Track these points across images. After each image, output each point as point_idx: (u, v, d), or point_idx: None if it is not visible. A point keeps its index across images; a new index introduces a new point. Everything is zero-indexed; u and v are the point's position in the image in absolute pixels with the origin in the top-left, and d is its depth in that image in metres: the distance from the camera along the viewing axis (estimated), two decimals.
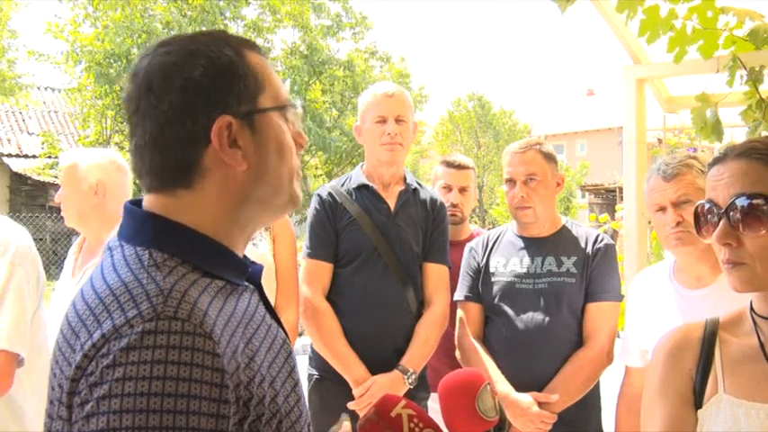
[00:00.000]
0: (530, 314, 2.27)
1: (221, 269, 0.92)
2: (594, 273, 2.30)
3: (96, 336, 0.79)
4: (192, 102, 0.90)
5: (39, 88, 20.13)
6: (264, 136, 0.94)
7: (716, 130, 2.45)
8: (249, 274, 0.99)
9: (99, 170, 2.37)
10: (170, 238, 0.90)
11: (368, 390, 2.23)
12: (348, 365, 2.27)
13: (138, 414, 0.74)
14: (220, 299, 0.88)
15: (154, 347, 0.76)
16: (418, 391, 2.32)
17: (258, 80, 0.95)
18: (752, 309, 1.24)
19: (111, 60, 15.29)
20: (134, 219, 0.93)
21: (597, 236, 2.39)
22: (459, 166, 2.92)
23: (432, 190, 2.59)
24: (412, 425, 0.98)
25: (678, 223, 1.86)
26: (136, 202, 0.96)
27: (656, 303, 1.99)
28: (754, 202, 1.13)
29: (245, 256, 1.00)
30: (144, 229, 0.91)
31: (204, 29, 15.94)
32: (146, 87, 0.91)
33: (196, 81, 0.90)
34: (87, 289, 0.87)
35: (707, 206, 1.21)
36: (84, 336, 0.81)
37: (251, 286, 0.99)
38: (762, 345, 1.19)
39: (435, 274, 2.41)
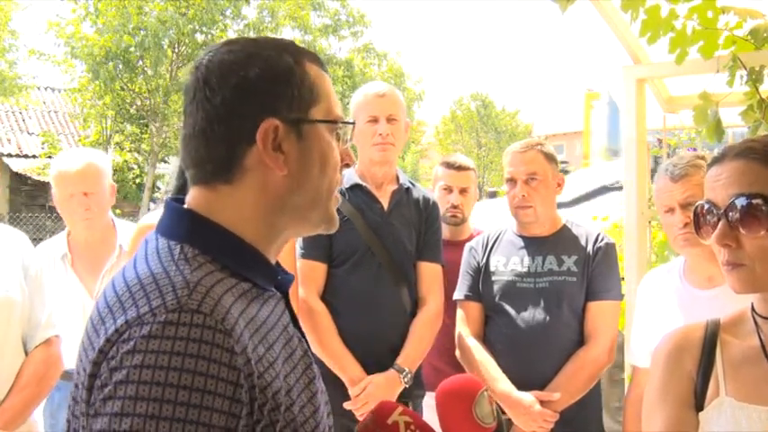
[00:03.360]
0: (531, 313, 2.27)
1: (249, 272, 0.92)
2: (595, 272, 2.31)
3: (120, 321, 0.80)
4: (243, 100, 0.92)
5: (39, 88, 20.13)
6: (310, 146, 0.95)
7: (717, 130, 2.44)
8: (278, 281, 0.99)
9: (110, 171, 2.46)
10: (203, 235, 0.91)
11: (364, 390, 2.22)
12: (344, 365, 2.26)
13: (152, 402, 0.74)
14: (244, 301, 0.88)
15: (174, 338, 0.77)
16: (413, 390, 2.31)
17: (313, 92, 0.96)
18: (753, 310, 1.23)
19: (109, 58, 15.28)
20: (172, 213, 0.95)
21: (598, 235, 2.39)
22: (460, 168, 2.92)
23: (424, 189, 2.59)
24: None
25: (686, 224, 1.86)
26: (178, 199, 0.98)
27: (667, 304, 1.98)
28: (753, 202, 1.13)
29: (277, 263, 1.00)
30: (180, 224, 0.93)
31: (204, 28, 15.89)
32: (203, 80, 0.93)
33: (251, 81, 0.92)
34: (118, 278, 0.89)
35: (706, 207, 1.20)
36: (109, 322, 0.82)
37: (278, 294, 0.99)
38: (763, 346, 1.18)
39: (429, 272, 2.41)
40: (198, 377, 0.76)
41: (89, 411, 0.79)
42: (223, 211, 0.93)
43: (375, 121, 2.33)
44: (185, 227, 0.92)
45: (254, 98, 0.92)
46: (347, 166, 1.02)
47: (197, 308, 0.80)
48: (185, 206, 0.95)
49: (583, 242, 2.35)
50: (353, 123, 1.02)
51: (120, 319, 0.81)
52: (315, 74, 0.97)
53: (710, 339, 1.24)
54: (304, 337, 1.01)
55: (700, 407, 1.20)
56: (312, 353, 1.03)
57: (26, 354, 2.02)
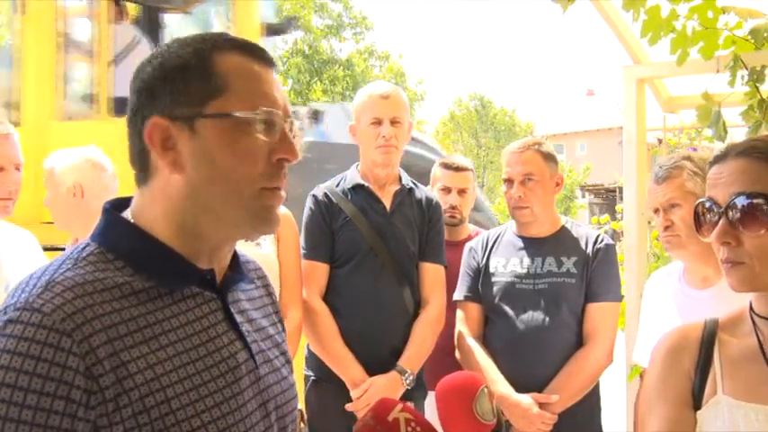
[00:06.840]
0: (530, 315, 2.27)
1: (153, 271, 0.90)
2: (595, 273, 2.30)
3: None
4: (137, 102, 0.92)
5: None
6: (208, 142, 0.89)
7: (720, 129, 2.44)
8: (210, 281, 0.96)
9: (74, 171, 2.36)
10: (111, 234, 0.92)
11: (365, 391, 2.21)
12: (345, 367, 2.26)
13: None
14: (128, 301, 0.86)
15: (9, 336, 0.77)
16: (415, 391, 2.31)
17: (219, 83, 0.90)
18: (751, 309, 1.23)
19: None
20: (101, 214, 0.96)
21: (597, 236, 2.39)
22: (458, 168, 2.92)
23: (427, 189, 2.59)
24: (409, 429, 0.97)
25: (666, 227, 1.86)
26: (119, 201, 0.99)
27: (665, 304, 1.99)
28: (754, 201, 1.12)
29: (235, 264, 1.00)
30: (98, 223, 0.95)
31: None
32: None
33: (144, 82, 0.92)
34: None
35: (707, 205, 1.20)
36: None
37: (206, 294, 0.95)
38: (761, 345, 1.18)
39: (431, 273, 2.40)
40: (23, 376, 0.76)
41: None
42: (143, 212, 0.94)
43: (379, 123, 2.33)
44: (101, 226, 0.93)
45: (143, 99, 0.91)
46: (282, 162, 0.93)
47: (39, 307, 0.79)
48: (109, 208, 0.97)
49: (582, 243, 2.35)
50: (254, 116, 0.90)
51: None
52: (229, 64, 0.91)
53: (709, 338, 1.24)
54: (244, 341, 0.97)
55: (697, 406, 1.20)
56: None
57: None
